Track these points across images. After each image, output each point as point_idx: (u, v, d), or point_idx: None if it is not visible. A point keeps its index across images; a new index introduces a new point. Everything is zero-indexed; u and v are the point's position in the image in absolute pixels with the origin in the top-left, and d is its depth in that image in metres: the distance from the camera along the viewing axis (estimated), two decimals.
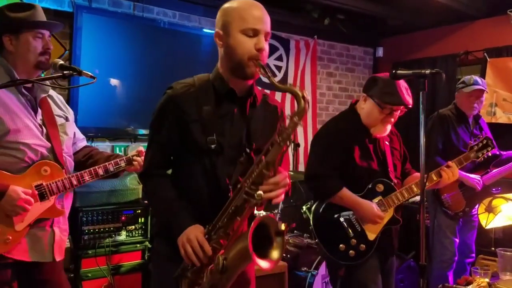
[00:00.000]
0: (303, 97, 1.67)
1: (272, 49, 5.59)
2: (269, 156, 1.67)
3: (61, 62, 2.22)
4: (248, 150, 1.83)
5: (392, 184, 2.60)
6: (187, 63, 4.40)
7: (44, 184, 2.18)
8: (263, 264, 1.66)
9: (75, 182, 2.25)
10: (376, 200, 2.58)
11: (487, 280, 2.48)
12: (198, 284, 1.75)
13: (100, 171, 2.32)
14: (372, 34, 6.46)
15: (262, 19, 1.78)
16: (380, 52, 6.57)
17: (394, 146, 2.75)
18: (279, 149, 1.67)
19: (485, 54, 5.25)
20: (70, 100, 4.03)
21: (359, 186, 2.60)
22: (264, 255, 1.69)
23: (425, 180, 2.14)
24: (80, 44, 4.02)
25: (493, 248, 4.02)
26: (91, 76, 2.20)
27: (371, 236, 2.57)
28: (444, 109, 3.95)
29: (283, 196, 1.77)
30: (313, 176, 2.66)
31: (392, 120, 2.60)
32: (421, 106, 2.12)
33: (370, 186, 2.59)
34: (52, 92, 2.38)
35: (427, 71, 2.13)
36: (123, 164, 2.39)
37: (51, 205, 2.21)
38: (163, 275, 1.91)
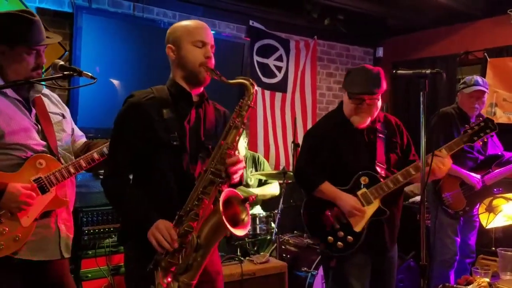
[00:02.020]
0: (252, 84, 1.96)
1: (272, 50, 5.60)
2: (229, 138, 1.92)
3: (61, 62, 2.24)
4: (207, 147, 2.05)
5: (377, 176, 2.60)
6: None
7: (42, 176, 2.19)
8: (238, 232, 1.86)
9: (72, 170, 2.26)
10: (360, 192, 2.59)
11: (487, 280, 2.48)
12: (172, 270, 1.87)
13: (96, 155, 2.32)
14: (372, 34, 6.45)
15: (208, 34, 2.06)
16: (380, 52, 6.57)
17: (392, 139, 2.73)
18: (237, 130, 1.93)
19: (485, 54, 5.25)
20: (70, 101, 4.03)
21: (345, 179, 2.64)
22: (235, 225, 1.87)
23: (425, 180, 2.14)
24: (80, 44, 4.01)
25: (493, 248, 4.02)
26: (91, 77, 2.22)
27: (358, 228, 2.59)
28: (447, 108, 3.95)
29: (239, 176, 1.98)
30: (298, 172, 2.83)
31: (367, 109, 2.60)
32: (421, 106, 2.12)
33: (354, 179, 2.62)
34: (46, 90, 2.39)
35: (428, 71, 2.14)
36: None
37: (53, 197, 2.23)
38: (136, 279, 2.00)
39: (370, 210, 2.59)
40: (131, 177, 2.09)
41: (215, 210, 1.86)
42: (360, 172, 2.61)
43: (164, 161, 1.97)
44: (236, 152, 1.96)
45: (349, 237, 2.59)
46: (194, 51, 2.01)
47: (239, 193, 1.95)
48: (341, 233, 2.61)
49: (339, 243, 2.60)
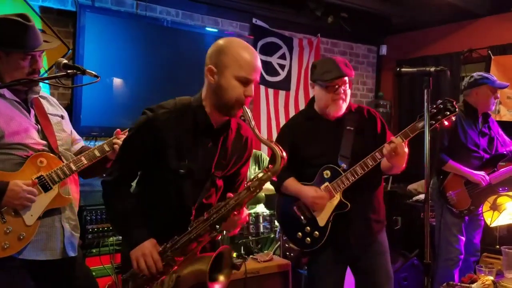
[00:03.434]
0: (282, 157, 1.83)
1: (276, 48, 5.59)
2: (240, 199, 1.86)
3: (65, 61, 2.23)
4: (214, 178, 1.99)
5: (340, 169, 2.58)
6: (190, 62, 4.38)
7: (44, 175, 2.19)
8: (215, 287, 1.88)
9: (74, 168, 2.26)
10: (323, 186, 2.59)
11: (491, 278, 2.48)
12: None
13: (97, 152, 2.33)
14: (376, 32, 6.44)
15: (257, 68, 1.88)
16: (383, 50, 6.55)
17: (363, 130, 2.67)
18: (250, 195, 1.86)
19: (489, 51, 5.24)
20: (74, 99, 4.02)
21: (311, 174, 2.65)
22: (215, 279, 1.90)
23: (429, 180, 2.13)
24: (83, 43, 4.02)
25: (497, 246, 4.00)
26: (94, 75, 2.22)
27: (321, 222, 2.60)
28: None
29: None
30: None
31: (343, 96, 2.59)
32: (425, 104, 2.11)
33: (319, 174, 2.62)
34: (44, 93, 2.39)
35: (432, 69, 2.13)
36: (115, 140, 2.36)
37: (56, 194, 2.23)
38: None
39: (332, 203, 2.59)
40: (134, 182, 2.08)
41: (204, 259, 1.87)
42: (324, 166, 2.61)
43: (166, 184, 1.95)
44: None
45: (315, 232, 2.61)
46: (236, 86, 1.84)
47: (232, 256, 1.98)
48: (308, 228, 2.63)
49: (307, 238, 2.63)
